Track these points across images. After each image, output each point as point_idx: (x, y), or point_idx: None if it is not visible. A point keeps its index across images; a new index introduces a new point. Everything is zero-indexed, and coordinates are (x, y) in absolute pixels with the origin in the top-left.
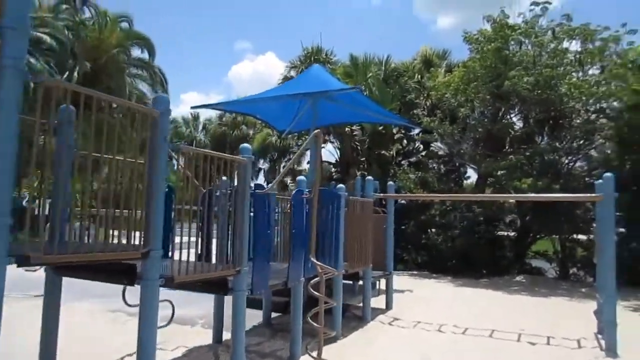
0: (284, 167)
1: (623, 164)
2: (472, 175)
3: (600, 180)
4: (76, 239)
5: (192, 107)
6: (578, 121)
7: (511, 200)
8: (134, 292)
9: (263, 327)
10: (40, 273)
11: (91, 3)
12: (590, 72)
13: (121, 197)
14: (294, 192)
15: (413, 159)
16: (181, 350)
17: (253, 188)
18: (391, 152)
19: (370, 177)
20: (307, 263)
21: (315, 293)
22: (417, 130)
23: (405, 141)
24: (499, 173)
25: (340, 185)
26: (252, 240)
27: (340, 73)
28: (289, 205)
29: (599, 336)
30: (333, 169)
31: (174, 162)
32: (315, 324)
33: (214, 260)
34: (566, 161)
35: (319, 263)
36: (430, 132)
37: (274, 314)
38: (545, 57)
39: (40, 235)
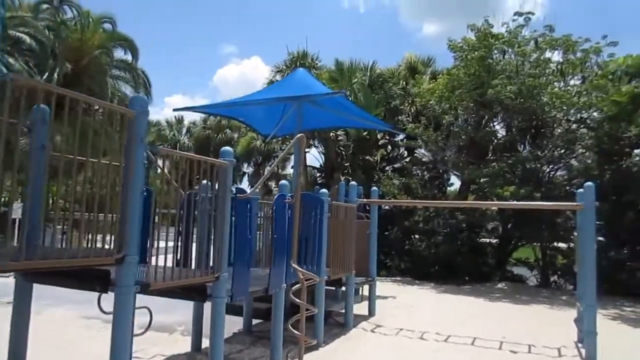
0: (267, 171)
1: (603, 173)
2: (455, 182)
3: (581, 190)
4: (47, 244)
5: (175, 110)
6: (559, 130)
7: (493, 208)
8: (110, 299)
9: (244, 335)
10: (13, 279)
11: (73, 3)
12: (571, 82)
13: (95, 200)
14: (275, 196)
15: (397, 165)
16: (158, 358)
17: (234, 192)
18: (375, 158)
19: (354, 183)
20: (289, 269)
21: (297, 300)
22: (401, 137)
23: (389, 147)
24: (481, 180)
25: (323, 190)
26: (233, 246)
27: (325, 78)
28: (271, 210)
29: (579, 345)
30: (317, 174)
31: (155, 165)
32: (296, 332)
33: (192, 266)
34: (547, 170)
35: (300, 269)
36: (415, 139)
37: (255, 321)
38: (528, 67)
39: (7, 240)
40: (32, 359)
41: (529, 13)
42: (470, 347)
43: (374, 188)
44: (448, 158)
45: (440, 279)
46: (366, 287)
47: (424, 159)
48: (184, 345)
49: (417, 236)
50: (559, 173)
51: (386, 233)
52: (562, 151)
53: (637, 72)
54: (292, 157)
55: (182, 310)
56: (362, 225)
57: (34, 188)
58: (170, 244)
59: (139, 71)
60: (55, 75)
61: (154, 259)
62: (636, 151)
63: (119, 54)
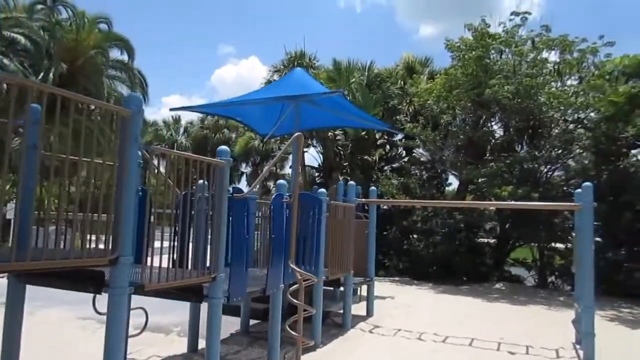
0: (266, 171)
1: (600, 174)
2: (453, 182)
3: (579, 190)
4: (40, 245)
5: (171, 109)
6: (557, 131)
7: (491, 208)
8: (106, 299)
9: (241, 335)
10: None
11: (68, 4)
12: (568, 82)
13: (89, 199)
14: (273, 196)
15: (395, 165)
16: (154, 359)
17: (231, 192)
18: (374, 158)
19: (352, 182)
20: (287, 269)
21: (294, 301)
22: (399, 136)
23: (388, 147)
24: (479, 180)
25: (322, 189)
26: (230, 246)
27: (323, 78)
28: (269, 209)
29: (577, 346)
30: (316, 174)
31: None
32: (293, 333)
33: (189, 266)
34: (545, 170)
35: (298, 269)
36: (413, 138)
37: (252, 321)
38: (525, 67)
39: None
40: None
41: (525, 13)
42: (468, 347)
43: (373, 188)
44: (446, 158)
45: (438, 279)
46: (364, 288)
47: (422, 159)
48: (180, 346)
49: (415, 236)
50: (556, 173)
51: (384, 233)
52: (560, 151)
53: (634, 72)
54: (291, 156)
55: (178, 311)
56: (361, 225)
57: (25, 188)
58: (167, 244)
59: (135, 71)
60: (51, 75)
61: (149, 259)
62: (633, 151)
63: (115, 54)
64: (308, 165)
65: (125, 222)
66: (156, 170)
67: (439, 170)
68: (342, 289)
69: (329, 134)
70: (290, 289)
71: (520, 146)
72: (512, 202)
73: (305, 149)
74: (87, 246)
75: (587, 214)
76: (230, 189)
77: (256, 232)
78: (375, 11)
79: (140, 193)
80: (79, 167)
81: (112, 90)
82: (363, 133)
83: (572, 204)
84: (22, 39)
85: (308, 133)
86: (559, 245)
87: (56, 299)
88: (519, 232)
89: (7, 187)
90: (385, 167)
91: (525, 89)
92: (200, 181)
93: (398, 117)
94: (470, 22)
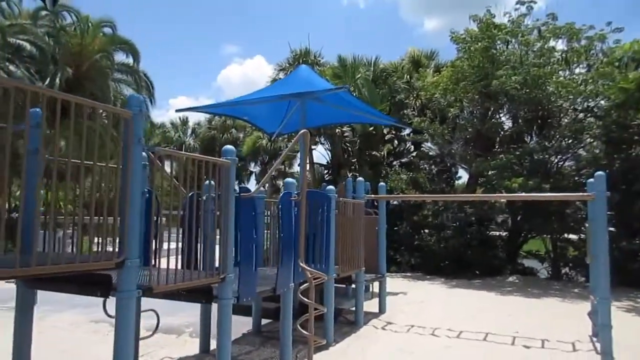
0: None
1: (612, 162)
2: (463, 176)
3: (592, 179)
4: (45, 249)
5: (177, 110)
6: (566, 120)
7: (502, 200)
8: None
9: (253, 335)
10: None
11: (72, 9)
12: (577, 70)
13: (93, 202)
14: (281, 194)
15: (404, 160)
16: None
17: (238, 191)
18: (382, 153)
19: (361, 178)
20: (297, 268)
21: (305, 299)
22: (407, 131)
23: (396, 142)
24: (489, 173)
25: (330, 186)
26: (238, 246)
27: (328, 75)
28: (277, 208)
29: (594, 339)
30: (324, 171)
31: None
32: (305, 332)
33: (197, 267)
34: (555, 160)
35: (307, 268)
36: (421, 133)
37: (264, 321)
38: (532, 56)
39: None
40: None
41: (531, 2)
42: (482, 342)
43: (382, 183)
44: (455, 151)
45: (450, 274)
46: (376, 284)
47: (430, 153)
48: (192, 347)
49: (426, 231)
50: (567, 163)
51: (395, 228)
52: (570, 141)
53: None
54: (299, 154)
55: (190, 312)
56: (371, 221)
57: (29, 192)
58: (177, 245)
59: (141, 74)
60: (57, 80)
61: (158, 261)
62: None
63: (120, 57)
64: (316, 163)
65: (131, 225)
66: (159, 170)
67: (448, 164)
68: (353, 286)
69: (337, 130)
70: (301, 287)
71: (529, 137)
72: (523, 194)
73: (313, 147)
74: (94, 250)
75: (600, 204)
76: (237, 188)
77: (266, 232)
78: (379, 7)
79: (147, 195)
80: (82, 171)
81: (118, 93)
82: (370, 129)
83: (585, 194)
84: (28, 46)
85: (315, 130)
86: (572, 236)
87: (69, 302)
88: (531, 224)
89: (18, 192)
90: (394, 162)
91: (533, 78)
92: (207, 182)
93: (405, 111)
94: (475, 14)
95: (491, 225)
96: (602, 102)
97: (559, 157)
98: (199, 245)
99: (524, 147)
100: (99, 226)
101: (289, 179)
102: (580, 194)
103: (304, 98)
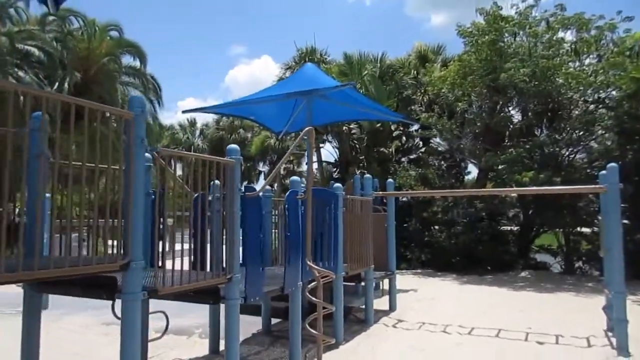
0: (284, 169)
1: (624, 154)
2: (472, 171)
3: (604, 171)
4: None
5: (184, 112)
6: (577, 112)
7: (513, 194)
8: None
9: (263, 335)
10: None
11: (79, 13)
12: (586, 61)
13: (95, 205)
14: (287, 193)
15: (413, 156)
16: None
17: (243, 190)
18: (390, 150)
19: (368, 175)
20: (305, 267)
21: (313, 299)
22: (416, 127)
23: (404, 138)
24: (499, 167)
25: (338, 184)
26: (244, 246)
27: (335, 72)
28: (284, 207)
29: (609, 334)
30: (333, 169)
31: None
32: (313, 331)
33: (204, 268)
34: (566, 153)
35: (315, 267)
36: (429, 128)
37: (274, 320)
38: (541, 48)
39: (1, 251)
40: None
41: None
42: (494, 339)
43: (390, 180)
44: (464, 146)
45: (461, 270)
46: (386, 281)
47: (439, 149)
48: (202, 348)
49: (436, 227)
50: (578, 156)
51: (405, 225)
52: (581, 133)
53: None
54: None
55: (200, 313)
56: (380, 218)
57: (30, 196)
58: (185, 246)
59: (148, 76)
60: (66, 85)
61: (167, 262)
62: None
63: (128, 60)
64: (325, 161)
65: (134, 226)
66: (166, 172)
67: (458, 159)
68: (363, 284)
69: (344, 128)
70: (308, 286)
71: (539, 130)
72: (534, 187)
73: (321, 145)
74: (109, 252)
75: (613, 196)
76: (242, 187)
77: (274, 231)
78: (385, 4)
79: (153, 196)
80: (83, 173)
81: (126, 96)
82: (378, 125)
83: (597, 186)
84: (36, 51)
85: (323, 129)
86: (585, 230)
87: (81, 305)
88: (543, 218)
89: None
90: (403, 159)
91: (541, 71)
92: (213, 182)
93: (413, 107)
94: (482, 7)
95: (502, 220)
96: (614, 92)
97: (570, 149)
98: (205, 245)
99: (534, 140)
100: (103, 228)
101: (295, 177)
102: (593, 186)
103: (310, 96)
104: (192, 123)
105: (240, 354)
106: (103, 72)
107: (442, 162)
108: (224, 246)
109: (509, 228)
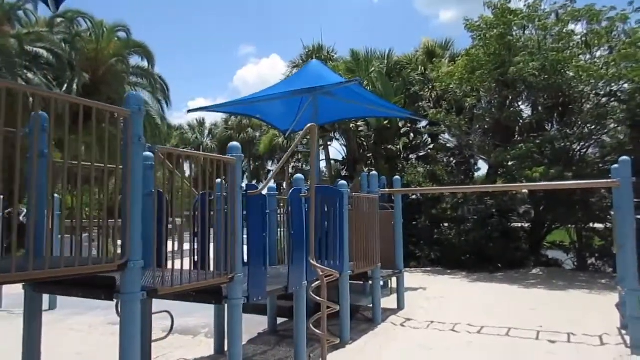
0: (292, 167)
1: (637, 147)
2: (483, 167)
3: (616, 165)
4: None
5: (189, 111)
6: (588, 106)
7: (524, 190)
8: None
9: (269, 334)
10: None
11: (87, 15)
12: (598, 53)
13: (92, 205)
14: (290, 191)
15: (421, 153)
16: None
17: (245, 189)
18: (398, 147)
19: (375, 173)
20: (309, 266)
21: (317, 298)
22: (424, 123)
23: (412, 135)
24: (509, 163)
25: (342, 181)
26: (247, 245)
27: (342, 69)
28: (287, 205)
29: (623, 332)
30: (341, 167)
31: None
32: (317, 331)
33: (206, 268)
34: (578, 148)
35: (318, 265)
36: (437, 125)
37: (280, 319)
38: (550, 41)
39: None
40: None
41: None
42: (505, 337)
43: (397, 177)
44: (473, 142)
45: (471, 267)
46: (395, 280)
47: (448, 145)
48: (208, 348)
49: (445, 224)
50: (590, 150)
51: (414, 223)
52: (593, 127)
53: None
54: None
55: (205, 312)
56: (387, 216)
57: (37, 197)
58: (187, 247)
59: (156, 77)
60: (74, 86)
61: (166, 262)
62: None
63: (136, 60)
64: (332, 159)
65: (132, 226)
66: (165, 171)
67: (467, 156)
68: (370, 282)
69: (351, 125)
70: (312, 285)
71: (550, 125)
72: (544, 183)
73: (328, 143)
74: (96, 252)
75: (626, 191)
76: (244, 186)
77: (279, 229)
78: (393, 0)
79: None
80: (79, 172)
81: None
82: (385, 122)
83: (610, 180)
84: (45, 53)
85: (330, 126)
86: (598, 226)
87: (88, 305)
88: (554, 214)
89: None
90: (411, 156)
91: (551, 64)
92: (217, 180)
93: (420, 103)
94: (490, 0)
95: (513, 216)
96: (626, 85)
97: (581, 144)
98: (206, 245)
99: (545, 135)
100: (102, 229)
101: (299, 175)
102: (605, 180)
103: (315, 93)
104: (201, 123)
105: (246, 354)
106: (111, 72)
107: (452, 159)
108: (226, 245)
109: (519, 225)
